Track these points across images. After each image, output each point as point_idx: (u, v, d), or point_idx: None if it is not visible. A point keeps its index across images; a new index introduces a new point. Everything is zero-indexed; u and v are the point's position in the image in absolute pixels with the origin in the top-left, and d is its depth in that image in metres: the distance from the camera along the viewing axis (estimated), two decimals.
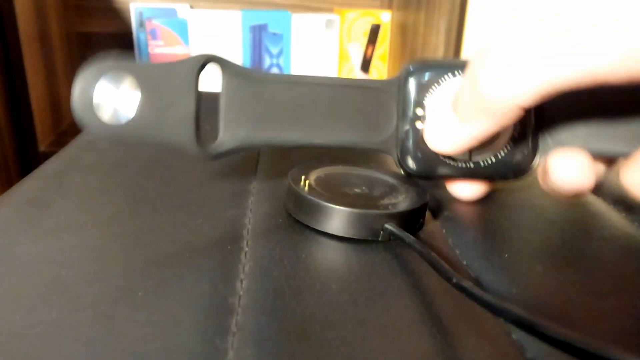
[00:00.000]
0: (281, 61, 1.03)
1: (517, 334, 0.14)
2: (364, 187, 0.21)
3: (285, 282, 0.16)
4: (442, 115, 0.18)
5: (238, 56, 1.00)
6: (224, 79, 0.19)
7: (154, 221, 0.19)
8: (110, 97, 0.17)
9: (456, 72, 0.20)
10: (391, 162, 0.28)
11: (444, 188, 0.24)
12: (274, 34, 1.00)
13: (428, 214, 0.22)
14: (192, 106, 0.18)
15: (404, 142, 0.21)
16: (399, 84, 0.21)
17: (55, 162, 0.27)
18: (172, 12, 1.00)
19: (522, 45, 0.14)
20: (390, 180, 0.22)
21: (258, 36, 1.00)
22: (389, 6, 1.06)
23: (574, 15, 0.13)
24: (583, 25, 0.13)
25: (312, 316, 0.15)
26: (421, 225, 0.20)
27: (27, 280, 0.16)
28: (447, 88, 0.20)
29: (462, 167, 0.21)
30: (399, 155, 0.21)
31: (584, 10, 0.13)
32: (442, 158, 0.20)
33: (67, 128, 0.97)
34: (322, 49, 1.04)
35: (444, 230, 0.21)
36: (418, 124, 0.21)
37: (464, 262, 0.18)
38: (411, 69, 0.21)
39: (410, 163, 0.21)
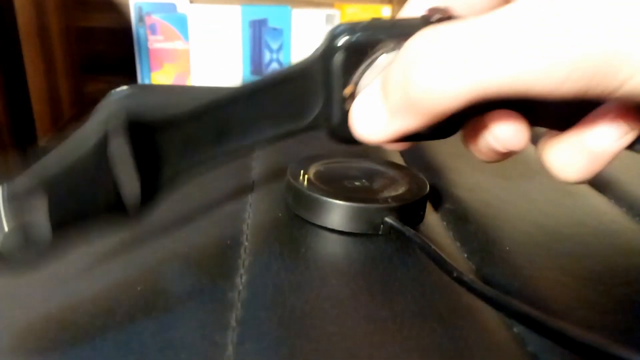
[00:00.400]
0: (281, 56, 1.03)
1: (518, 327, 0.14)
2: (363, 180, 0.21)
3: (284, 277, 0.16)
4: (371, 104, 0.17)
5: (238, 51, 1.00)
6: (131, 141, 0.17)
7: (153, 216, 0.19)
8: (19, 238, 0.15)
9: (390, 47, 0.18)
10: (391, 154, 0.27)
11: (445, 181, 0.24)
12: (274, 29, 1.00)
13: (429, 206, 0.22)
14: (109, 186, 0.16)
15: (333, 120, 0.19)
16: (323, 61, 0.18)
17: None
18: (171, 7, 1.00)
19: (458, 44, 0.14)
20: (391, 172, 0.21)
21: (258, 31, 0.99)
22: (390, 1, 1.05)
23: (506, 22, 0.14)
24: (513, 34, 0.13)
25: (311, 311, 0.15)
26: (421, 218, 0.20)
27: (24, 275, 0.16)
28: (378, 69, 0.18)
29: None
30: (329, 131, 0.20)
31: (514, 20, 0.14)
32: None
33: (66, 123, 0.97)
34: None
35: (444, 223, 0.20)
36: (347, 104, 0.19)
37: (465, 255, 0.18)
38: (336, 44, 0.18)
39: (340, 136, 0.20)
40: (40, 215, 0.15)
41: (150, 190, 0.17)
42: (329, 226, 0.19)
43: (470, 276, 0.14)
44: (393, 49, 0.18)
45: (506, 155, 0.18)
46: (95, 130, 0.15)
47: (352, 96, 0.19)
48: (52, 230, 0.15)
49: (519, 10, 0.14)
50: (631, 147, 0.17)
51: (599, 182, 0.25)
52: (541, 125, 0.19)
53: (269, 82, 0.19)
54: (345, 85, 0.19)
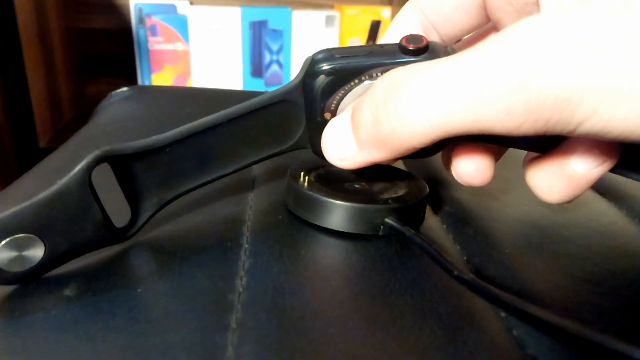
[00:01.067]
0: (281, 57, 1.03)
1: (518, 330, 0.14)
2: (363, 183, 0.21)
3: (285, 279, 0.16)
4: (341, 132, 0.18)
5: (238, 53, 1.00)
6: (116, 171, 0.17)
7: (153, 218, 0.19)
8: (10, 259, 0.15)
9: (364, 78, 0.18)
10: None
11: (445, 183, 0.24)
12: (274, 30, 1.00)
13: (428, 209, 0.22)
14: (97, 214, 0.16)
15: (314, 142, 0.20)
16: (303, 86, 0.19)
17: (55, 159, 0.27)
18: (171, 9, 1.00)
19: (423, 87, 0.15)
20: (390, 175, 0.22)
21: (258, 32, 0.99)
22: (389, 2, 1.06)
23: (464, 68, 0.14)
24: (468, 80, 0.14)
25: (312, 313, 0.15)
26: (421, 220, 0.20)
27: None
28: (354, 96, 0.18)
29: None
30: (312, 150, 0.20)
31: (470, 65, 0.14)
32: None
33: (66, 124, 0.97)
34: (323, 45, 1.03)
35: (444, 226, 0.20)
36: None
37: (465, 258, 0.18)
38: (316, 70, 0.18)
39: (323, 155, 0.20)
40: (30, 256, 0.15)
41: (140, 217, 0.18)
42: (330, 227, 0.19)
43: (470, 275, 0.14)
44: (369, 78, 0.18)
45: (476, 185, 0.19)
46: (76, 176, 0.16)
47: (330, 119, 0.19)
48: (42, 264, 0.15)
49: (475, 55, 0.14)
50: (613, 171, 0.17)
51: (599, 185, 0.25)
52: (521, 148, 0.19)
53: (250, 109, 0.19)
54: (324, 109, 0.19)
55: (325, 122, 0.19)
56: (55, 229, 0.15)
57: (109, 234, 0.17)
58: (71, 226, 0.16)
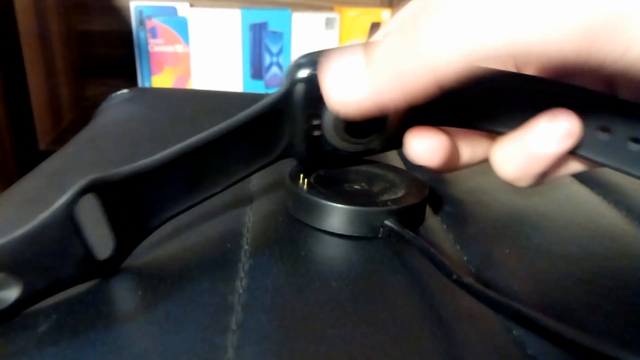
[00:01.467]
0: (281, 59, 1.03)
1: (518, 331, 0.14)
2: (363, 184, 0.21)
3: (285, 280, 0.16)
4: (349, 68, 0.16)
5: (238, 55, 1.00)
6: (101, 199, 0.16)
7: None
8: None
9: None
10: (390, 158, 0.28)
11: (445, 183, 0.24)
12: (274, 32, 1.00)
13: (428, 210, 0.22)
14: (80, 250, 0.15)
15: (300, 149, 0.19)
16: (287, 95, 0.18)
17: (55, 161, 0.27)
18: (172, 11, 1.00)
19: (458, 6, 0.14)
20: (390, 175, 0.22)
21: (258, 34, 1.00)
22: (389, 4, 1.06)
23: None
24: None
25: (312, 314, 0.15)
26: (421, 221, 0.20)
27: None
28: None
29: (347, 153, 0.20)
30: (297, 158, 0.20)
31: None
32: (334, 152, 0.20)
33: (66, 126, 0.97)
34: (323, 48, 1.03)
35: (444, 226, 0.20)
36: (315, 133, 0.19)
37: (465, 258, 0.18)
38: (298, 77, 0.18)
39: (307, 161, 0.20)
40: (8, 294, 0.14)
41: (126, 247, 0.17)
42: (329, 230, 0.19)
43: (469, 278, 0.14)
44: None
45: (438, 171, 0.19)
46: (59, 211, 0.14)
47: (318, 127, 0.19)
48: (18, 303, 0.14)
49: None
50: (573, 153, 0.18)
51: (598, 186, 0.25)
52: (482, 130, 0.19)
53: (240, 123, 0.18)
54: (309, 116, 0.19)
55: (311, 127, 0.19)
56: (33, 267, 0.14)
57: (92, 268, 0.15)
58: (51, 263, 0.14)
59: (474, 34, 0.13)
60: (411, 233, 0.17)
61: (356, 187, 0.20)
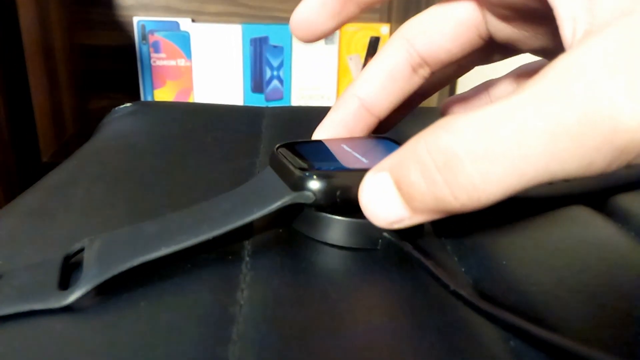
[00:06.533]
0: (281, 73, 1.04)
1: (515, 341, 0.14)
2: None
3: (285, 292, 0.16)
4: (385, 199, 0.16)
5: (239, 68, 1.01)
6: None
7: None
8: None
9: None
10: None
11: None
12: (275, 47, 1.01)
13: (428, 224, 0.22)
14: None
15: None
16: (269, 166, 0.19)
17: (59, 173, 0.27)
18: (174, 25, 1.01)
19: (499, 137, 0.13)
20: None
21: (259, 49, 1.01)
22: (388, 19, 1.07)
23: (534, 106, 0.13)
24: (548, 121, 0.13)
25: (312, 325, 0.15)
26: (420, 232, 0.21)
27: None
28: None
29: None
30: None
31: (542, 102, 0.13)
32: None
33: (69, 139, 0.98)
34: (322, 62, 1.05)
35: (442, 238, 0.21)
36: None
37: (462, 269, 0.18)
38: (274, 150, 0.19)
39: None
40: None
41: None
42: (329, 241, 0.19)
43: (466, 290, 0.14)
44: None
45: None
46: None
47: (310, 168, 0.19)
48: None
49: (533, 97, 0.13)
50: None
51: (595, 198, 0.25)
52: None
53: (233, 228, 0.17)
54: (298, 163, 0.19)
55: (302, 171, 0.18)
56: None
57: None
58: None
59: (510, 175, 0.13)
60: (409, 244, 0.18)
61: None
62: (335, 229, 0.19)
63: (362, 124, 0.22)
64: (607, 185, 0.26)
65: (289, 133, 0.34)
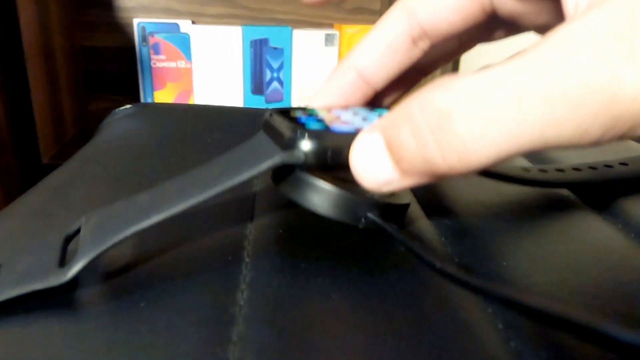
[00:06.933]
0: (281, 75, 1.04)
1: (516, 342, 0.14)
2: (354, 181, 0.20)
3: (285, 292, 0.16)
4: (375, 160, 0.16)
5: (239, 70, 1.01)
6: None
7: (156, 233, 0.19)
8: None
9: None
10: None
11: (444, 196, 0.25)
12: (275, 49, 1.01)
13: (428, 222, 0.22)
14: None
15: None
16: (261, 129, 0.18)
17: (59, 175, 0.27)
18: (174, 27, 1.02)
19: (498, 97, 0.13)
20: None
21: (259, 50, 1.01)
22: None
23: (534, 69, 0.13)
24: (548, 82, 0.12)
25: (312, 325, 0.15)
26: (403, 216, 0.20)
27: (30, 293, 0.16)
28: None
29: None
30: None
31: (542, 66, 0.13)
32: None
33: (69, 141, 0.98)
34: (322, 64, 1.05)
35: (443, 239, 0.21)
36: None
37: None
38: (266, 115, 0.17)
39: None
40: None
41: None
42: (312, 208, 0.18)
43: (453, 268, 0.14)
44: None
45: None
46: None
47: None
48: None
49: (537, 59, 0.13)
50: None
51: (595, 200, 0.25)
52: None
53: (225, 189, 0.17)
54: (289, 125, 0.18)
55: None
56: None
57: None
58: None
59: (502, 137, 0.13)
60: (394, 225, 0.17)
61: (348, 177, 0.20)
62: (320, 196, 0.18)
63: (359, 94, 0.22)
64: (605, 177, 0.26)
65: None
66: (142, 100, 1.02)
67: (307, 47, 1.02)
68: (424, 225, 0.21)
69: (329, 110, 0.21)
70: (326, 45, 1.02)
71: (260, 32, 0.99)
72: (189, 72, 1.00)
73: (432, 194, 0.25)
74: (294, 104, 1.05)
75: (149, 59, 0.99)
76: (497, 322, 0.15)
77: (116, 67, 1.07)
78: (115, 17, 1.04)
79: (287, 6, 1.07)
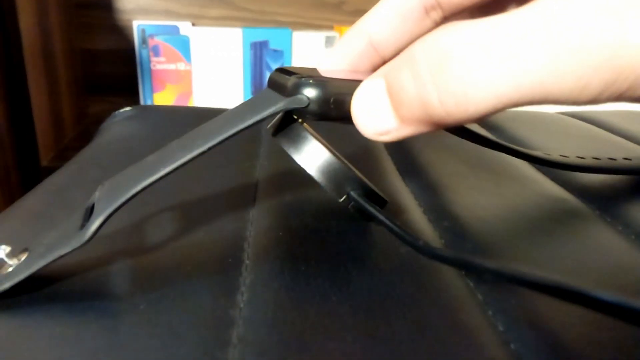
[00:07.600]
0: None
1: (516, 344, 0.14)
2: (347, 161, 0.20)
3: (285, 294, 0.16)
4: (376, 106, 0.16)
5: (239, 72, 1.01)
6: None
7: (156, 235, 0.19)
8: None
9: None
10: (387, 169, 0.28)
11: (443, 198, 0.25)
12: (275, 51, 1.01)
13: (428, 224, 0.22)
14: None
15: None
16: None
17: (59, 177, 0.27)
18: (174, 29, 1.02)
19: (492, 44, 0.13)
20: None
21: (259, 53, 1.01)
22: None
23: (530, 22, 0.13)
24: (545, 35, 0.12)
25: (312, 327, 0.15)
26: (384, 204, 0.20)
27: (29, 294, 0.16)
28: None
29: None
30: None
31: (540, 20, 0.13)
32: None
33: (69, 143, 0.98)
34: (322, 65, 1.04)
35: (442, 241, 0.21)
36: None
37: (463, 272, 0.18)
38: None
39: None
40: None
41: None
42: (300, 164, 0.18)
43: (437, 246, 0.14)
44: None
45: None
46: None
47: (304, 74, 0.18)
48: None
49: (541, 8, 0.13)
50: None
51: (595, 202, 0.25)
52: None
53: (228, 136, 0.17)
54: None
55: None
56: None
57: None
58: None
59: (500, 85, 0.13)
60: (376, 206, 0.17)
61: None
62: (313, 155, 0.18)
63: (367, 61, 0.21)
64: (605, 167, 0.26)
65: None
66: (141, 102, 1.02)
67: (307, 49, 1.02)
68: (424, 227, 0.21)
69: (336, 72, 0.21)
70: (326, 47, 1.02)
71: (260, 34, 0.99)
72: (188, 74, 1.00)
73: (433, 194, 0.25)
74: None
75: (149, 61, 0.99)
76: (497, 325, 0.15)
77: (116, 69, 1.07)
78: (115, 20, 1.04)
79: (287, 8, 1.07)
